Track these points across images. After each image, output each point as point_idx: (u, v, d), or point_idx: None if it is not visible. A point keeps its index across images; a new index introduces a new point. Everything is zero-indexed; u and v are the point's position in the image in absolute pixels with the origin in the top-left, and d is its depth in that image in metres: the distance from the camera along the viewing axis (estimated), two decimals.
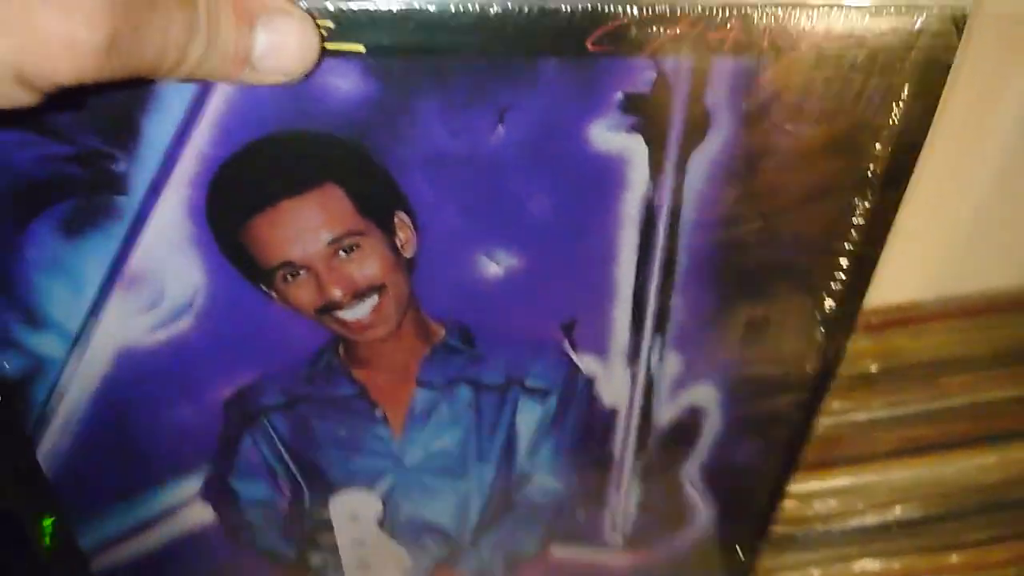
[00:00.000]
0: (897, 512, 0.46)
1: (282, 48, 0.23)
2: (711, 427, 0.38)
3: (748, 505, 0.43)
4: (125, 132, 0.27)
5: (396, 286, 0.32)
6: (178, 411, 0.34)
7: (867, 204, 0.31)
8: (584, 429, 0.38)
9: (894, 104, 0.28)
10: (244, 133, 0.27)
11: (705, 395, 0.37)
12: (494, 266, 0.32)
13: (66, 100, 0.22)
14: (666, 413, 0.38)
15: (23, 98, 0.20)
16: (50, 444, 0.35)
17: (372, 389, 0.35)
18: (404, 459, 0.38)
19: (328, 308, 0.32)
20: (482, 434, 0.37)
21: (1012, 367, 0.46)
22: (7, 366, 0.32)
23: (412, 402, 0.36)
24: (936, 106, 0.28)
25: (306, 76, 0.24)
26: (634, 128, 0.28)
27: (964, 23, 0.27)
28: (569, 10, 0.25)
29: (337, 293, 0.31)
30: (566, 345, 0.35)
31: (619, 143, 0.29)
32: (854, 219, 0.31)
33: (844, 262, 0.32)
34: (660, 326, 0.34)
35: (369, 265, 0.31)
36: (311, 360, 0.34)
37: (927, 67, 0.27)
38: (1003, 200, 0.50)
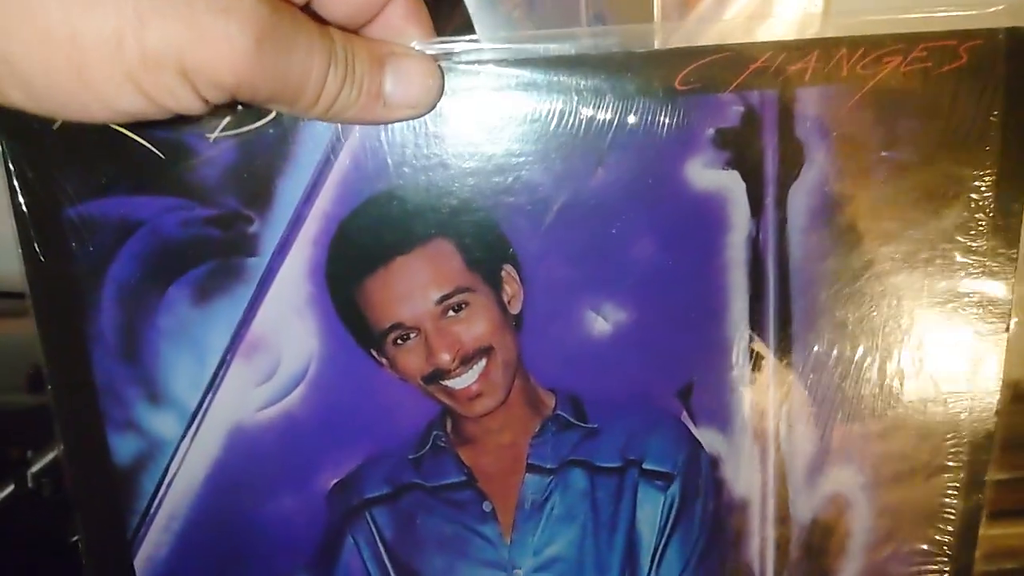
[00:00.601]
0: None
1: (409, 85, 0.26)
2: (860, 524, 0.34)
3: None
4: (262, 194, 0.30)
5: (504, 348, 0.32)
6: (281, 503, 0.33)
7: (982, 224, 0.30)
8: (714, 527, 0.34)
9: (989, 118, 0.29)
10: (364, 189, 0.30)
11: (847, 479, 0.33)
12: (602, 321, 0.31)
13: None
14: (806, 505, 0.34)
15: (187, 98, 0.22)
16: (148, 551, 0.33)
17: (480, 476, 0.33)
18: (514, 568, 0.34)
19: (436, 376, 0.32)
20: (600, 535, 0.34)
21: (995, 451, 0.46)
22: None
23: (522, 492, 0.33)
24: None
25: (431, 110, 0.27)
26: (729, 163, 0.30)
27: None
28: (656, 52, 0.28)
29: (446, 358, 0.31)
30: (684, 416, 0.33)
31: (716, 180, 0.30)
32: (973, 235, 0.30)
33: (973, 283, 0.31)
34: (784, 390, 0.32)
35: (477, 324, 0.31)
36: (419, 439, 0.33)
37: (1014, 76, 0.28)
38: None
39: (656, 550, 0.34)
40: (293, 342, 0.31)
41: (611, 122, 0.29)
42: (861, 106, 0.29)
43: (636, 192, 0.30)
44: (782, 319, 0.31)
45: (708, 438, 0.33)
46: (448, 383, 0.32)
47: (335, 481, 0.33)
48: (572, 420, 0.33)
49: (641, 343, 0.31)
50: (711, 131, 0.29)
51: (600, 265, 0.31)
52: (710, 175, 0.30)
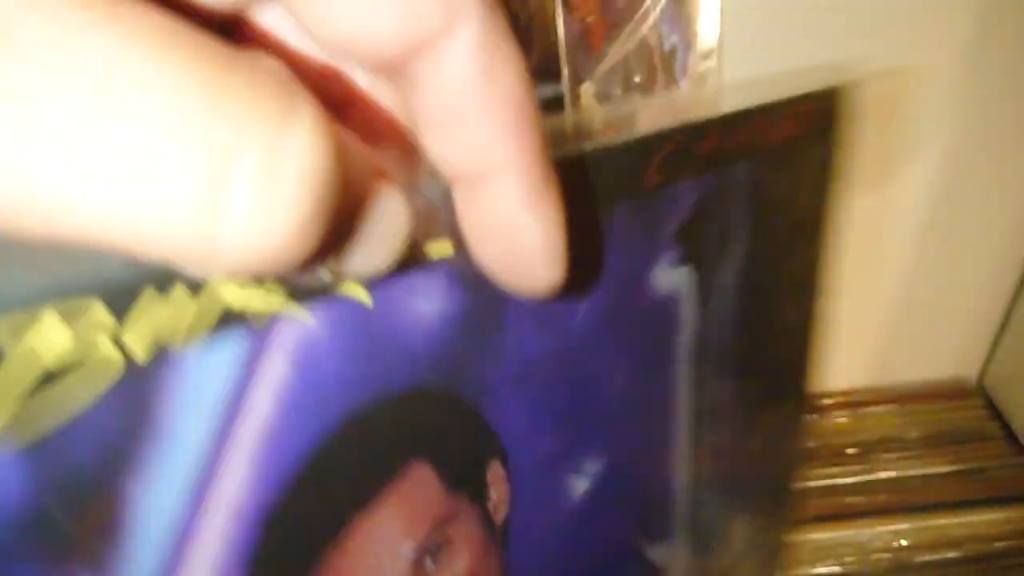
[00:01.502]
0: (818, 570, 0.48)
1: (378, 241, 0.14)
2: None
3: None
4: (95, 530, 0.13)
5: (487, 573, 0.22)
6: None
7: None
8: None
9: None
10: (300, 439, 0.16)
11: None
12: (582, 480, 0.24)
13: None
14: None
15: None
16: None
17: None
18: None
19: None
20: None
21: (936, 448, 0.54)
22: None
23: None
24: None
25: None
26: (684, 259, 0.25)
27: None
28: (626, 144, 0.22)
29: None
30: (642, 542, 0.28)
31: (674, 280, 0.25)
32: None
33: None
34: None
35: (459, 561, 0.21)
36: None
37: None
38: (931, 304, 0.56)
39: None
40: None
41: (587, 235, 0.21)
42: (760, 175, 0.27)
43: (610, 318, 0.23)
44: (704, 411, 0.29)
45: (657, 555, 0.29)
46: None
47: None
48: None
49: (614, 485, 0.25)
50: (673, 227, 0.24)
51: (583, 417, 0.23)
52: (669, 276, 0.25)
